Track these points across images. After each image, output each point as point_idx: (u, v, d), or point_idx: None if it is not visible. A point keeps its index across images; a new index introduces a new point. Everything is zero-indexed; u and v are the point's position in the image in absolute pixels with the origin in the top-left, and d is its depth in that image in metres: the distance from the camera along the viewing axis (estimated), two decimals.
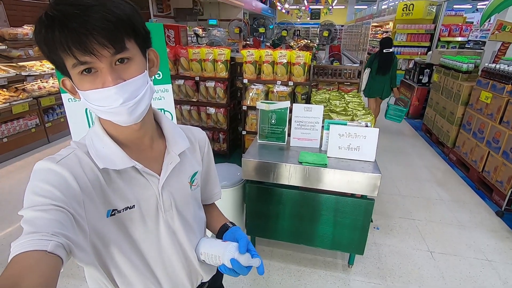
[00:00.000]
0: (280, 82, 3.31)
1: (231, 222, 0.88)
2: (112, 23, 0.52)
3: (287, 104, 2.10)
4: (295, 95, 3.43)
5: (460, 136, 3.87)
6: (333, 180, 1.82)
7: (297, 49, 9.04)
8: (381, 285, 2.00)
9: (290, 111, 2.10)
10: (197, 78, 3.53)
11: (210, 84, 3.53)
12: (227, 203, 2.23)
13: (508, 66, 3.15)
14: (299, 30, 14.85)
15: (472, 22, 9.52)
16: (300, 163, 1.86)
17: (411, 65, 6.56)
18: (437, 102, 4.66)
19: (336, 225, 1.96)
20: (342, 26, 24.12)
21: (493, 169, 3.08)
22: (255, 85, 3.40)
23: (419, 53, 7.75)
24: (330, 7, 19.75)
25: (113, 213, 0.63)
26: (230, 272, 0.70)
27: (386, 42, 4.54)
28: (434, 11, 7.84)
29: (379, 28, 11.63)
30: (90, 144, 0.64)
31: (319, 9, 12.60)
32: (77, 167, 0.60)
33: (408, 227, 2.62)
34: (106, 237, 0.63)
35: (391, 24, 8.70)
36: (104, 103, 0.57)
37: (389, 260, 2.22)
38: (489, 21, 5.63)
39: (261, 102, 2.12)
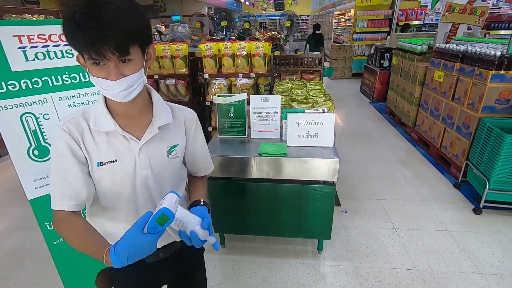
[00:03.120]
0: (241, 74, 3.26)
1: (204, 202, 0.97)
2: (122, 37, 0.69)
3: (244, 96, 2.06)
4: (258, 87, 3.40)
5: (419, 115, 4.04)
6: (294, 169, 1.82)
7: (262, 41, 9.01)
8: (350, 267, 2.04)
9: (249, 103, 2.07)
10: (156, 76, 3.39)
11: (170, 81, 3.41)
12: None
13: (456, 45, 3.31)
14: (265, 22, 14.78)
15: (427, 6, 9.93)
16: (260, 154, 1.84)
17: (372, 51, 6.75)
18: (397, 84, 4.84)
19: (301, 213, 1.97)
20: (308, 16, 24.44)
21: (449, 144, 3.25)
22: (216, 79, 3.33)
23: (379, 38, 7.99)
24: None
25: (101, 164, 0.83)
26: (186, 239, 0.81)
27: (317, 26, 7.71)
28: None
29: (342, 16, 11.83)
30: (93, 110, 0.85)
31: (283, 0, 12.63)
32: (75, 129, 0.82)
33: (374, 208, 2.70)
34: (97, 181, 0.86)
35: (352, 12, 8.89)
36: (107, 88, 0.75)
37: (357, 241, 2.28)
38: (441, 3, 5.89)
39: (217, 96, 2.07)
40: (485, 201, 2.52)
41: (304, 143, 1.94)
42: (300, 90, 3.06)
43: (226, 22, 5.93)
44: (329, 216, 1.95)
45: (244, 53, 3.18)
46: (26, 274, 2.09)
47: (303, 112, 1.98)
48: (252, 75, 3.25)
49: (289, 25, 5.73)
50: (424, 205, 2.71)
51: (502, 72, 2.61)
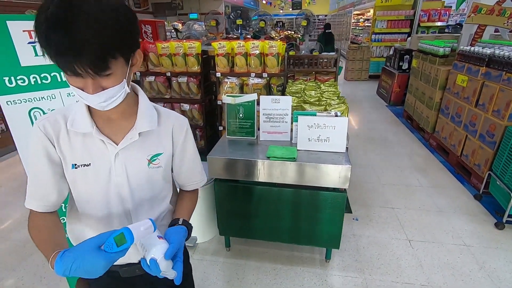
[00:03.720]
0: (254, 74, 3.20)
1: (185, 220, 0.88)
2: (98, 53, 0.60)
3: (254, 96, 2.00)
4: (271, 87, 3.32)
5: (439, 121, 3.86)
6: (303, 174, 1.74)
7: (278, 40, 8.92)
8: (359, 278, 1.95)
9: (259, 104, 2.01)
10: (168, 74, 3.38)
11: (183, 79, 3.39)
12: (198, 205, 2.13)
13: (482, 49, 3.12)
14: (282, 21, 14.66)
15: (451, 7, 9.54)
16: (268, 158, 1.77)
17: (391, 52, 6.53)
18: (417, 88, 4.64)
19: (309, 220, 1.89)
20: (326, 15, 24.11)
21: (471, 152, 3.07)
22: (228, 78, 3.28)
23: (399, 39, 7.74)
24: None
25: (76, 166, 0.78)
26: (146, 267, 0.72)
27: (327, 26, 7.79)
28: None
29: (360, 16, 11.56)
30: (75, 108, 0.79)
31: (300, 0, 12.45)
32: (51, 128, 0.77)
33: (387, 216, 2.58)
34: (72, 184, 0.81)
35: (371, 12, 8.65)
36: (85, 98, 0.68)
37: (367, 251, 2.18)
38: (466, 3, 5.62)
39: (227, 95, 2.02)
40: (509, 216, 2.35)
41: (314, 148, 1.85)
42: (313, 91, 2.98)
43: (241, 20, 5.88)
44: (339, 225, 1.87)
45: (257, 52, 3.12)
46: (33, 267, 2.11)
47: (315, 115, 1.90)
48: (265, 74, 3.18)
49: (305, 24, 5.62)
50: (441, 216, 2.56)
51: None
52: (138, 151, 0.83)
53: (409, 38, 6.26)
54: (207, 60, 3.55)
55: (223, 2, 14.28)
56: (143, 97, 0.85)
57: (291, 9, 17.28)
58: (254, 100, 2.00)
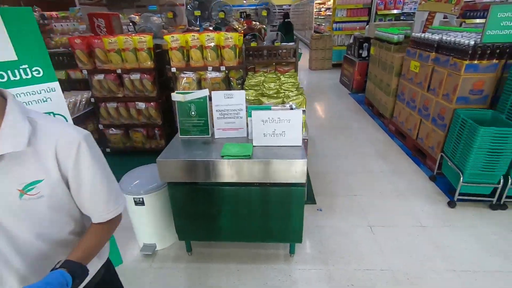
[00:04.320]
0: (211, 68, 3.07)
1: (69, 262, 0.70)
2: None
3: (205, 92, 1.89)
4: (230, 80, 3.22)
5: (396, 106, 3.99)
6: (259, 171, 1.68)
7: (242, 31, 8.74)
8: (322, 270, 1.95)
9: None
10: (119, 71, 3.15)
11: (135, 76, 3.18)
12: (154, 210, 2.01)
13: (432, 35, 3.23)
14: (246, 12, 14.41)
15: None
16: (222, 157, 1.69)
17: (351, 41, 6.66)
18: (375, 75, 4.77)
19: (270, 216, 1.85)
20: (290, 5, 24.13)
21: (425, 135, 3.20)
22: (185, 73, 3.12)
23: (358, 27, 7.90)
24: None
25: None
26: None
27: (286, 15, 7.99)
28: None
29: (322, 5, 11.68)
30: None
31: None
32: None
33: (351, 205, 2.62)
34: None
35: (332, 1, 8.75)
36: None
37: (331, 242, 2.19)
38: None
39: (176, 93, 1.89)
40: (460, 194, 2.49)
41: (271, 143, 1.80)
42: (273, 83, 2.91)
43: (199, 11, 5.65)
44: (299, 219, 1.84)
45: (213, 44, 2.98)
46: None
47: (269, 109, 1.84)
48: (223, 68, 3.06)
49: (265, 14, 5.53)
50: (400, 200, 2.65)
51: (475, 62, 2.55)
52: (3, 178, 0.67)
53: (367, 26, 6.40)
54: (161, 54, 3.36)
55: None
56: (12, 106, 0.68)
57: None
58: (206, 96, 1.89)
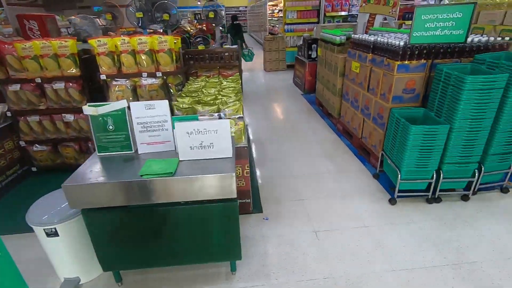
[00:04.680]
0: (146, 74, 2.85)
1: None
2: None
3: (123, 104, 1.69)
4: (169, 87, 3.02)
5: (343, 106, 4.08)
6: (184, 189, 1.53)
7: (194, 34, 8.47)
8: (265, 286, 1.85)
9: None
10: (39, 80, 2.79)
11: (59, 85, 2.84)
12: (71, 240, 1.76)
13: (368, 36, 3.32)
14: (200, 14, 14.08)
15: None
16: (141, 176, 1.51)
17: (301, 42, 6.75)
18: (323, 76, 4.85)
19: (203, 236, 1.71)
20: (246, 7, 24.18)
21: (368, 134, 3.28)
22: (117, 80, 2.87)
23: (306, 29, 8.06)
24: None
25: None
26: None
27: (234, 17, 8.34)
28: None
29: (275, 7, 11.81)
30: None
31: None
32: None
33: (297, 210, 2.57)
34: None
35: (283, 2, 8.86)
36: None
37: (275, 252, 2.11)
38: None
39: (88, 105, 1.67)
40: (399, 191, 2.55)
41: (198, 156, 1.66)
42: (214, 88, 2.78)
43: (142, 13, 5.32)
44: (235, 236, 1.72)
45: (147, 49, 2.77)
46: None
47: (196, 119, 1.69)
48: (159, 74, 2.85)
49: (212, 16, 5.37)
50: (345, 200, 2.67)
51: (406, 62, 2.64)
52: None
53: (315, 28, 6.53)
54: (90, 60, 3.05)
55: None
56: None
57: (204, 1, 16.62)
58: (124, 108, 1.70)
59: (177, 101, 2.37)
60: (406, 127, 2.33)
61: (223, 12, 5.46)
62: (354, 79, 3.59)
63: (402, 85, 2.72)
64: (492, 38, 2.60)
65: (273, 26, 12.13)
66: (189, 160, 1.65)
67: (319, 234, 2.27)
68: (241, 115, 2.19)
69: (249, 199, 2.48)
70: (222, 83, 2.95)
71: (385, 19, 5.61)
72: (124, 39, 2.74)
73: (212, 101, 2.31)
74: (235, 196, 1.58)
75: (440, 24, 2.42)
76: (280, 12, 10.66)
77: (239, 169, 2.29)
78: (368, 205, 2.59)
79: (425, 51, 2.62)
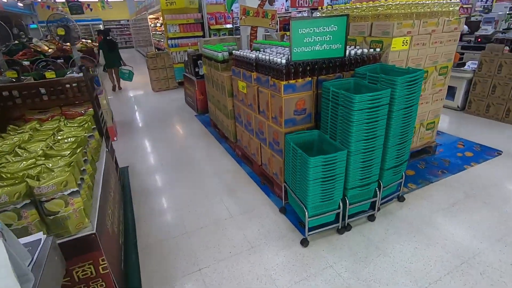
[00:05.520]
0: None
1: None
2: None
3: None
4: None
5: (238, 129, 3.65)
6: None
7: (51, 55, 6.80)
8: None
9: None
10: None
11: None
12: None
13: (249, 52, 2.96)
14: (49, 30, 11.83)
15: (233, 10, 10.41)
16: None
17: (186, 58, 6.16)
18: (213, 95, 4.36)
19: None
20: (128, 20, 22.19)
21: (267, 161, 2.91)
22: None
23: (190, 44, 7.55)
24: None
25: None
26: None
27: (106, 32, 7.59)
28: (196, 0, 7.78)
29: (157, 21, 10.88)
30: None
31: (80, 2, 10.23)
32: None
33: (195, 286, 1.92)
34: None
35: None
36: None
37: None
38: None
39: None
40: (309, 229, 2.21)
41: None
42: (43, 143, 1.88)
43: (63, 30, 3.76)
44: None
45: None
46: None
47: None
48: None
49: (62, 33, 4.20)
50: (253, 256, 2.16)
51: (292, 81, 2.34)
52: None
53: (199, 43, 6.05)
54: None
55: None
56: None
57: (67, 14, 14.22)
58: None
59: None
60: (304, 160, 1.98)
61: (77, 27, 4.37)
62: (244, 100, 3.19)
63: (292, 106, 2.41)
64: (366, 50, 2.55)
65: (158, 41, 11.16)
66: None
67: None
68: (75, 189, 1.41)
69: None
70: (61, 131, 2.06)
71: (267, 31, 5.57)
72: None
73: (21, 174, 1.44)
74: None
75: (318, 38, 2.19)
76: (162, 26, 9.83)
77: (88, 269, 1.49)
78: (279, 255, 2.15)
79: (308, 68, 2.38)
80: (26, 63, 5.62)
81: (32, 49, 6.49)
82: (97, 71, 4.80)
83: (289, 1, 8.78)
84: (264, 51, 2.97)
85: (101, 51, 7.54)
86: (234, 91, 3.46)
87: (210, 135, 4.55)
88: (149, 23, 11.85)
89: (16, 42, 8.46)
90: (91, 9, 14.15)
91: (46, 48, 7.47)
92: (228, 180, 3.24)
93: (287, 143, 2.27)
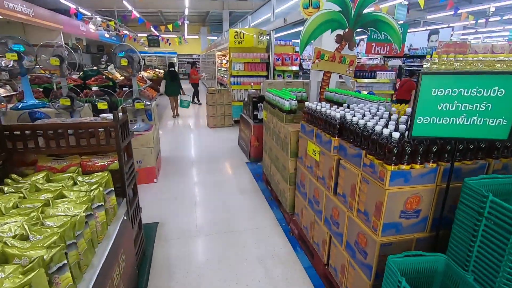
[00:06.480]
0: None
1: None
2: None
3: None
4: None
5: (297, 200, 2.79)
6: None
7: (119, 83, 7.00)
8: None
9: None
10: None
11: None
12: None
13: (333, 110, 2.18)
14: (144, 59, 12.89)
15: None
16: None
17: (246, 98, 5.69)
18: (270, 147, 3.63)
19: None
20: (199, 55, 23.94)
21: (340, 267, 1.95)
22: None
23: (252, 84, 7.13)
24: (183, 36, 18.82)
25: None
26: None
27: (171, 64, 8.64)
28: (265, 40, 7.54)
29: (223, 57, 11.09)
30: None
31: (158, 36, 11.02)
32: None
33: None
34: None
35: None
36: None
37: None
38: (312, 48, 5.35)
39: None
40: None
41: None
42: (26, 217, 1.27)
43: (126, 61, 3.79)
44: None
45: None
46: None
47: None
48: None
49: (125, 64, 4.02)
50: None
51: (405, 167, 1.45)
52: None
53: (262, 84, 5.56)
54: None
55: (61, 33, 11.51)
56: None
57: (146, 47, 15.53)
58: None
59: None
60: None
61: (139, 58, 4.16)
62: (313, 169, 2.35)
63: (400, 204, 1.49)
64: None
65: (222, 76, 11.29)
66: None
67: None
68: None
69: None
70: (76, 190, 1.45)
71: (340, 77, 4.83)
72: None
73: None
74: None
75: (465, 107, 1.31)
76: (228, 63, 9.88)
77: None
78: None
79: (435, 149, 1.47)
80: (94, 88, 5.70)
81: (104, 76, 6.74)
82: (151, 103, 4.49)
83: (364, 47, 8.04)
84: (350, 108, 2.17)
85: (164, 80, 8.55)
86: (300, 151, 2.66)
87: (261, 194, 3.75)
88: (216, 59, 12.19)
89: (95, 68, 9.21)
90: (169, 44, 15.37)
91: (118, 75, 7.81)
92: (276, 274, 2.33)
93: (390, 269, 1.32)
